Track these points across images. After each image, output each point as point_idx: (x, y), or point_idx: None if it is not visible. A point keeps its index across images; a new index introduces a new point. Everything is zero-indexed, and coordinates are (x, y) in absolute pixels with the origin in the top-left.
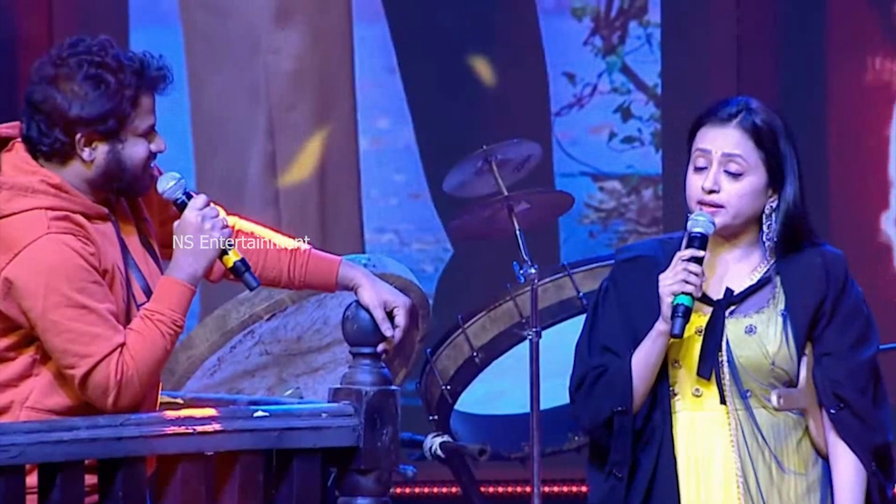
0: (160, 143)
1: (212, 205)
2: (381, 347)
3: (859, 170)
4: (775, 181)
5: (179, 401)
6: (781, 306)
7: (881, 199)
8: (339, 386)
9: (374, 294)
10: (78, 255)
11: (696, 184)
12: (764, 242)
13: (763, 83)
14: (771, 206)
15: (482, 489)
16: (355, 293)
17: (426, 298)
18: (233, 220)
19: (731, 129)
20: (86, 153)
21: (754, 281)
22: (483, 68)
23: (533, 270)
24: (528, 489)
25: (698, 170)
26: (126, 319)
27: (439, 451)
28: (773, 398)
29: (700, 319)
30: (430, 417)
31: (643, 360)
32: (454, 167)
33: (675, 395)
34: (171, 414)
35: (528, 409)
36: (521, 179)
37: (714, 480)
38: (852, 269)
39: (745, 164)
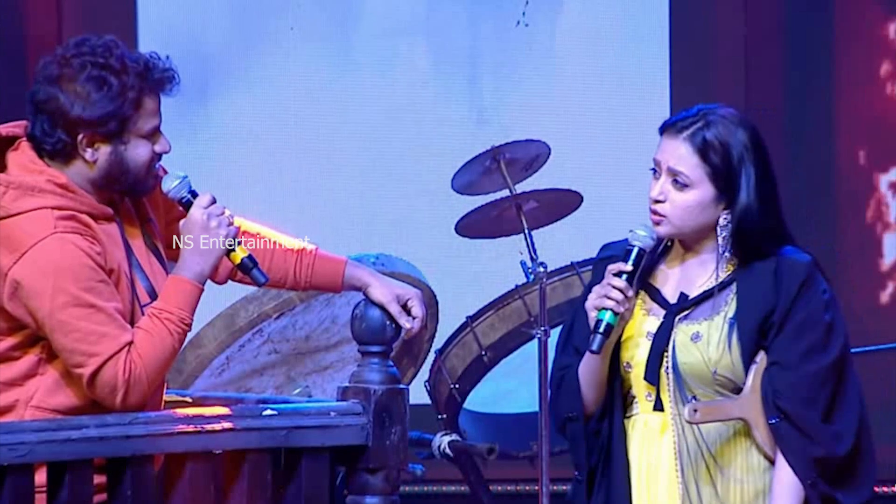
0: (164, 144)
1: (217, 203)
2: (406, 334)
3: (869, 169)
4: (725, 195)
5: (188, 399)
6: (731, 314)
7: (891, 197)
8: (347, 385)
9: (385, 290)
10: (85, 255)
11: (649, 190)
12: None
13: (771, 85)
14: (726, 218)
15: (491, 488)
16: (364, 293)
17: (435, 297)
18: (238, 221)
19: (679, 141)
20: (88, 154)
21: (708, 288)
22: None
23: (541, 269)
24: (536, 488)
25: (654, 176)
26: (130, 320)
27: (448, 450)
28: (687, 411)
29: (654, 323)
30: (439, 416)
31: (585, 368)
32: (463, 166)
33: (634, 398)
34: (179, 412)
35: (536, 408)
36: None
37: (660, 486)
38: (858, 268)
39: (689, 178)
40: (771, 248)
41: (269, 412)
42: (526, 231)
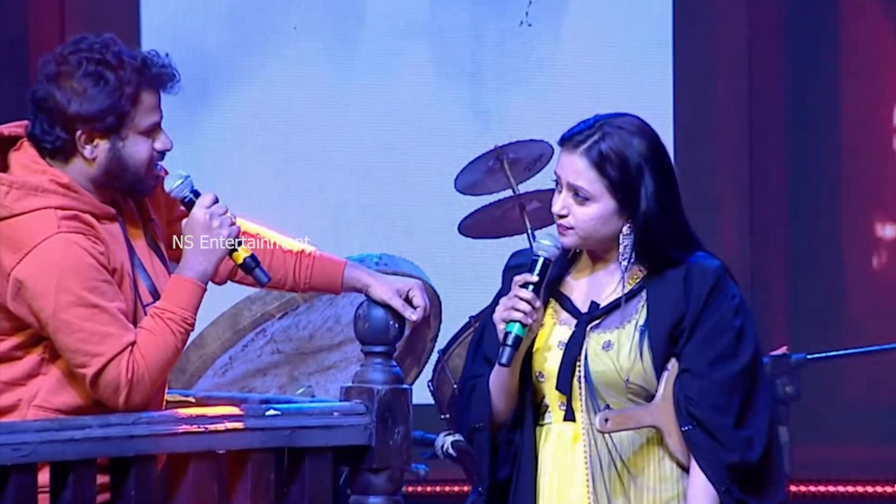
0: (165, 141)
1: (220, 202)
2: (410, 324)
3: (872, 168)
4: (626, 206)
5: (191, 399)
6: (642, 322)
7: (893, 196)
8: (350, 384)
9: (385, 287)
10: (88, 255)
11: (552, 204)
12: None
13: (774, 84)
14: (629, 228)
15: None
16: (365, 293)
17: (438, 296)
18: (238, 222)
19: (576, 156)
20: (87, 150)
21: (617, 297)
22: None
23: None
24: None
25: (556, 189)
26: (133, 320)
27: (451, 450)
28: (598, 420)
29: (565, 333)
30: (442, 416)
31: (495, 380)
32: (466, 166)
33: (547, 408)
34: (182, 412)
35: None
36: (533, 178)
37: (572, 497)
38: (860, 265)
39: (589, 192)
40: (680, 255)
41: (272, 412)
42: (529, 231)
